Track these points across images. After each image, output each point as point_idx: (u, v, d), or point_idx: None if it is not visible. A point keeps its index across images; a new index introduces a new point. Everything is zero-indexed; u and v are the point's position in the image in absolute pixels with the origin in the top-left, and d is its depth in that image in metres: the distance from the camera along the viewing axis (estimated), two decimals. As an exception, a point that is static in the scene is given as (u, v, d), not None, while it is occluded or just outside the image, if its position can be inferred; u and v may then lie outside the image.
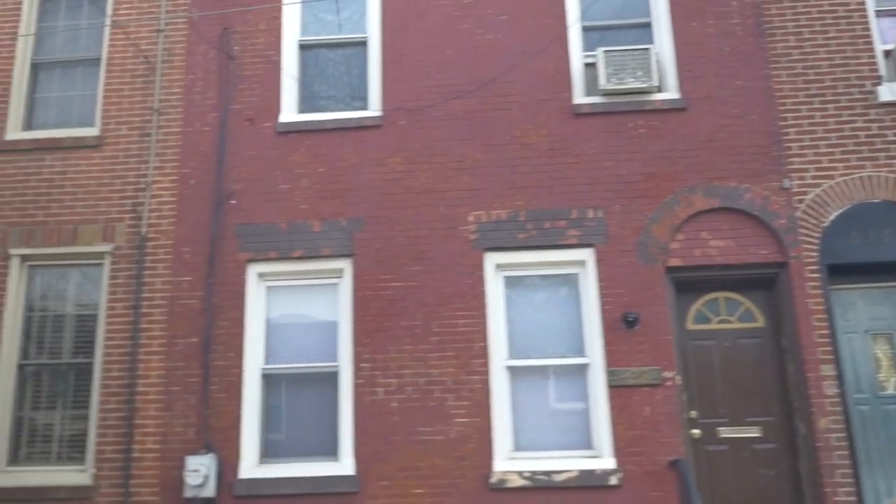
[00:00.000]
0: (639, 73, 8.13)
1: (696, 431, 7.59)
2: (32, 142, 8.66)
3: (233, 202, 8.28)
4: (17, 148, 8.66)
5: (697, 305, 7.95)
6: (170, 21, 8.93)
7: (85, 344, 8.16)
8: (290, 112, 8.59)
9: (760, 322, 7.86)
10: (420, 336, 7.75)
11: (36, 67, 9.09)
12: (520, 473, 7.34)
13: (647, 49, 8.16)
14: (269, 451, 7.75)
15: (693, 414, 7.64)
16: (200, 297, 8.04)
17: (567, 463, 7.38)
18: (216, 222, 8.21)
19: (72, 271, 8.39)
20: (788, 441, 7.53)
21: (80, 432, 7.95)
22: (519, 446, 7.56)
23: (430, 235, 8.03)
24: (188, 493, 7.43)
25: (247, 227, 8.19)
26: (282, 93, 8.62)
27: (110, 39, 8.95)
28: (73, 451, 7.92)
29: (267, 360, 7.93)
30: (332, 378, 7.84)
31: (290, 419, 7.85)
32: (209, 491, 7.43)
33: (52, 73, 9.11)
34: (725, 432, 7.63)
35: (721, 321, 7.90)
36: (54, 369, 8.14)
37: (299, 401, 7.89)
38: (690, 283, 7.86)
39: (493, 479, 7.33)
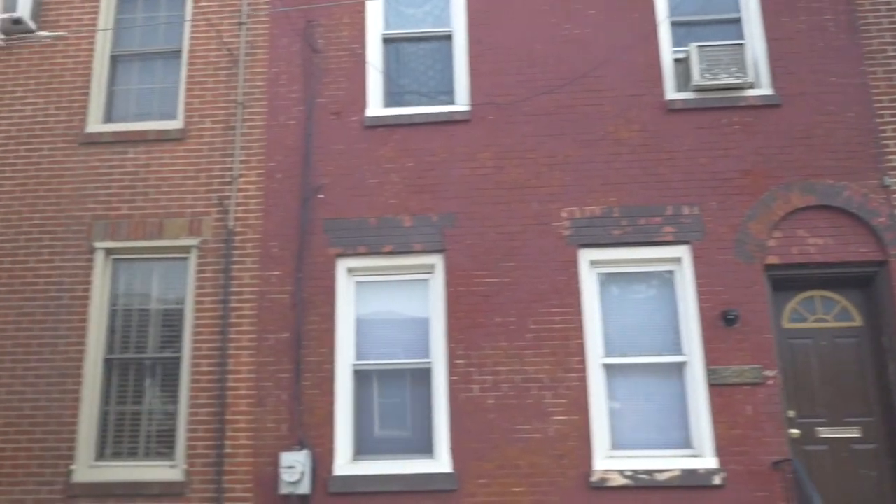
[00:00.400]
0: (733, 69, 8.04)
1: (794, 431, 7.50)
2: (115, 134, 8.58)
3: (321, 196, 8.19)
4: (99, 141, 8.57)
5: (793, 304, 7.86)
6: (251, 14, 8.85)
7: (171, 338, 8.07)
8: (375, 106, 8.51)
9: (858, 321, 7.77)
10: (515, 333, 7.67)
11: (115, 60, 9.01)
12: (621, 472, 7.25)
13: (741, 44, 8.07)
14: (361, 448, 7.66)
15: (791, 413, 7.55)
16: (290, 291, 7.95)
17: (668, 462, 7.29)
18: (305, 217, 8.12)
19: (156, 265, 8.30)
20: (890, 442, 7.44)
21: (167, 427, 7.86)
22: (616, 445, 7.47)
23: (522, 231, 7.94)
24: (283, 490, 7.34)
25: (336, 222, 8.11)
26: (367, 86, 8.53)
27: (192, 32, 8.87)
28: (162, 446, 7.83)
29: (357, 356, 7.84)
30: (424, 375, 7.75)
31: (382, 416, 7.76)
32: (304, 488, 7.34)
33: (130, 66, 9.02)
34: (824, 432, 7.54)
35: (817, 320, 7.81)
36: (140, 364, 8.06)
37: (391, 397, 7.80)
38: (787, 281, 7.77)
39: (594, 478, 7.24)
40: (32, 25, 8.94)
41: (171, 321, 8.13)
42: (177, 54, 8.91)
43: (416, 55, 8.80)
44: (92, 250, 8.23)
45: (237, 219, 8.22)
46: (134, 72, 9.02)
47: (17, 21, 8.85)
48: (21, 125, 8.70)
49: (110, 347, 8.11)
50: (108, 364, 8.05)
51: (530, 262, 7.85)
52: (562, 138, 8.17)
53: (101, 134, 8.60)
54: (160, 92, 8.90)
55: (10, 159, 8.61)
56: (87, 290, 8.13)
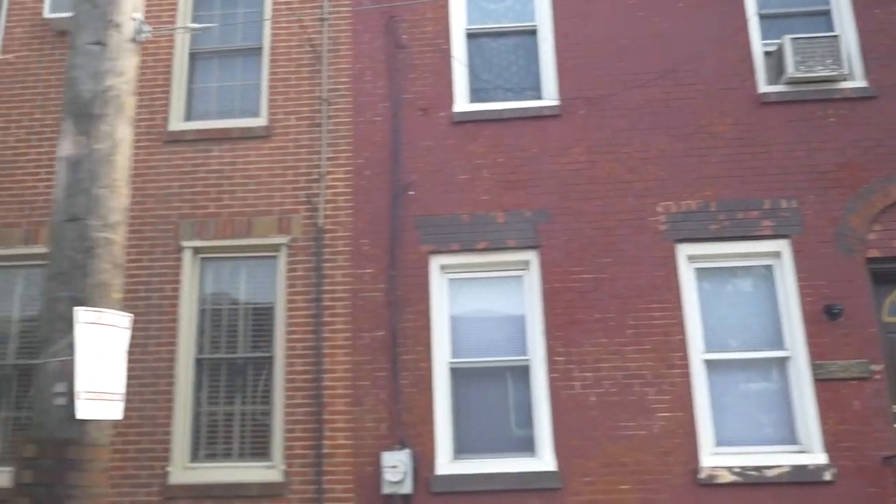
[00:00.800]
0: (828, 61, 7.96)
1: (899, 426, 7.42)
2: (198, 132, 8.50)
3: (411, 193, 8.11)
4: (182, 139, 8.50)
5: (892, 297, 7.78)
6: (333, 10, 8.77)
7: (262, 338, 7.99)
8: (462, 102, 8.43)
9: (959, 315, 7.70)
10: (615, 329, 7.59)
11: (193, 57, 8.93)
12: (729, 469, 7.17)
13: (836, 36, 8.00)
14: (460, 447, 7.57)
15: None
16: (383, 289, 7.87)
17: (776, 458, 7.21)
18: (396, 214, 8.04)
19: (245, 263, 8.22)
20: None
21: (262, 428, 7.78)
22: (721, 441, 7.39)
23: (618, 227, 7.86)
24: (386, 490, 7.26)
25: (427, 219, 8.03)
26: (454, 82, 8.45)
27: (272, 29, 8.79)
28: (256, 447, 7.75)
29: (453, 354, 7.76)
30: (522, 372, 7.67)
31: (480, 414, 7.67)
32: (407, 487, 7.26)
33: (209, 64, 8.95)
34: (929, 427, 7.46)
35: (917, 314, 7.74)
36: (231, 364, 7.98)
37: (488, 395, 7.72)
38: (887, 274, 7.69)
39: (702, 475, 7.16)
40: (110, 23, 8.84)
41: (262, 320, 8.05)
42: (257, 51, 8.83)
43: (498, 50, 8.72)
44: (180, 249, 8.15)
45: (327, 216, 8.14)
46: (213, 69, 8.94)
47: (96, 19, 8.75)
48: (103, 124, 8.61)
49: (200, 347, 8.02)
50: (200, 364, 7.97)
51: (627, 257, 7.77)
52: (654, 132, 8.09)
53: (184, 132, 8.52)
54: (241, 89, 8.82)
55: (92, 158, 8.52)
56: (175, 289, 8.05)
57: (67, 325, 4.16)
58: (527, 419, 7.57)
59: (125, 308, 8.02)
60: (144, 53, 8.84)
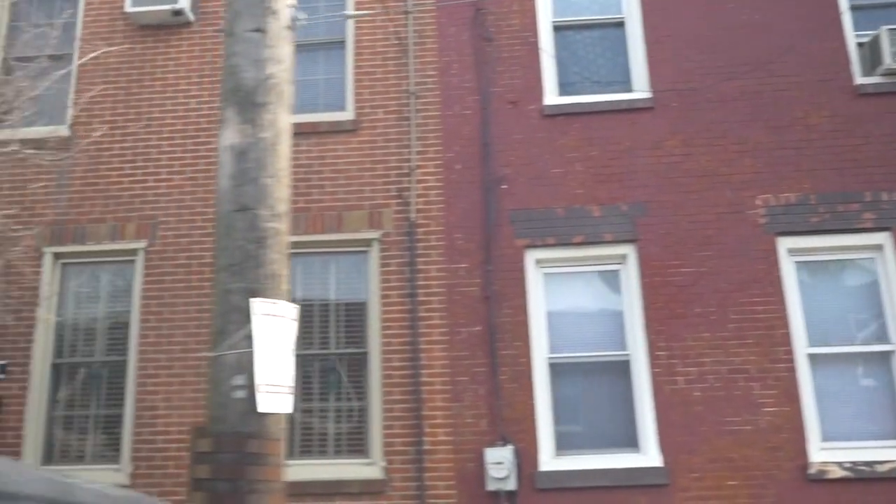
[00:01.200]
0: (926, 52, 7.87)
1: None
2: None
3: (504, 187, 8.03)
4: (269, 133, 8.40)
5: None
6: (417, 3, 8.69)
7: (355, 333, 7.90)
8: (552, 95, 8.35)
9: None
10: (717, 323, 7.50)
11: (275, 51, 8.83)
12: (839, 464, 7.09)
13: (934, 27, 7.92)
14: (561, 443, 7.49)
15: None
16: (479, 284, 7.79)
17: (886, 453, 7.12)
18: (491, 208, 7.96)
19: (335, 258, 8.14)
20: None
21: (358, 424, 7.69)
22: (827, 436, 7.29)
23: (716, 220, 7.78)
24: (491, 487, 7.17)
25: (522, 213, 7.95)
26: (543, 75, 8.37)
27: (356, 22, 8.70)
28: (354, 443, 7.66)
29: (551, 349, 7.67)
30: (622, 367, 7.58)
31: (580, 410, 7.59)
32: (511, 484, 7.18)
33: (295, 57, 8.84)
34: None
35: None
36: (325, 360, 7.90)
37: (587, 391, 7.63)
38: None
39: (812, 471, 7.08)
40: (191, 17, 8.79)
41: (354, 316, 7.96)
42: (341, 45, 8.75)
43: (584, 42, 8.64)
44: (270, 245, 8.05)
45: (418, 211, 8.05)
46: (297, 62, 8.83)
47: (178, 13, 8.69)
48: (187, 118, 8.54)
49: (296, 342, 7.91)
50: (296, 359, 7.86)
51: (727, 250, 7.69)
52: (750, 125, 8.00)
53: (270, 126, 8.42)
54: (324, 83, 8.74)
55: (177, 153, 8.45)
56: (267, 285, 7.95)
57: (242, 316, 4.08)
58: (628, 415, 7.48)
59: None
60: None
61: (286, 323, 4.19)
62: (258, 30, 4.48)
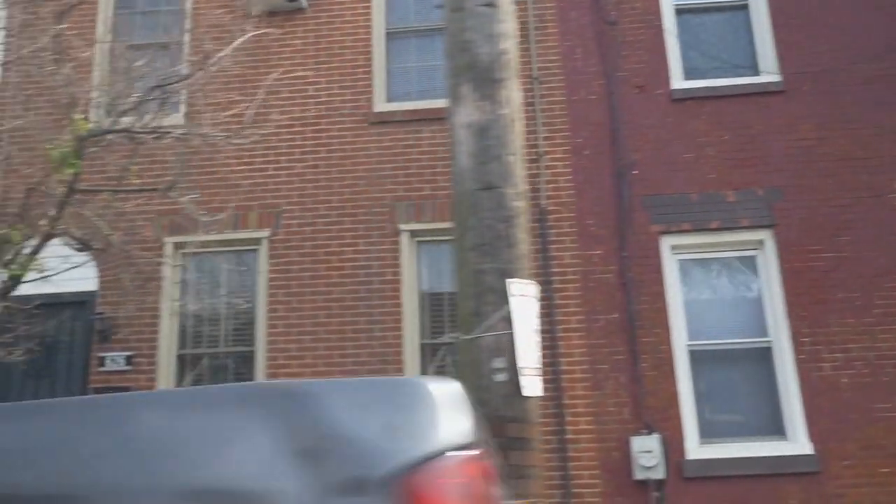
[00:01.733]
0: None
1: None
2: (407, 113, 8.30)
3: (635, 172, 7.91)
4: (390, 120, 8.29)
5: None
6: (535, -13, 8.56)
7: (486, 322, 7.78)
8: (678, 78, 8.22)
9: None
10: (862, 308, 7.38)
11: (390, 37, 8.72)
12: None
13: None
14: (705, 431, 7.37)
15: None
16: (615, 271, 7.67)
17: None
18: (623, 194, 7.84)
19: (462, 247, 8.01)
20: None
21: (493, 414, 7.57)
22: (977, 422, 7.19)
23: (855, 204, 7.66)
24: (639, 475, 7.07)
25: (655, 199, 7.83)
26: (668, 59, 8.24)
27: (473, 6, 8.57)
28: (490, 433, 7.54)
29: (689, 337, 7.55)
30: (763, 354, 7.47)
31: (722, 397, 7.48)
32: (660, 472, 7.07)
33: (406, 44, 8.74)
34: None
35: None
36: (456, 349, 7.77)
37: (728, 378, 7.53)
38: None
39: (968, 457, 6.98)
40: (304, 3, 8.65)
41: (484, 304, 7.83)
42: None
43: (706, 25, 8.52)
44: (397, 233, 7.95)
45: (549, 197, 7.93)
46: (410, 49, 8.74)
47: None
48: (305, 106, 8.42)
49: (423, 332, 7.82)
50: (424, 349, 7.78)
51: (867, 235, 7.57)
52: (885, 108, 7.88)
53: (392, 113, 8.32)
54: (441, 69, 8.59)
55: (297, 141, 8.33)
56: (396, 273, 7.85)
57: (497, 297, 3.97)
58: (772, 402, 7.36)
59: (345, 293, 7.83)
60: (340, 33, 8.65)
61: (535, 304, 4.08)
62: (489, 4, 4.36)
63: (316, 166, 8.23)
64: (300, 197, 8.15)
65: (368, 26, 8.63)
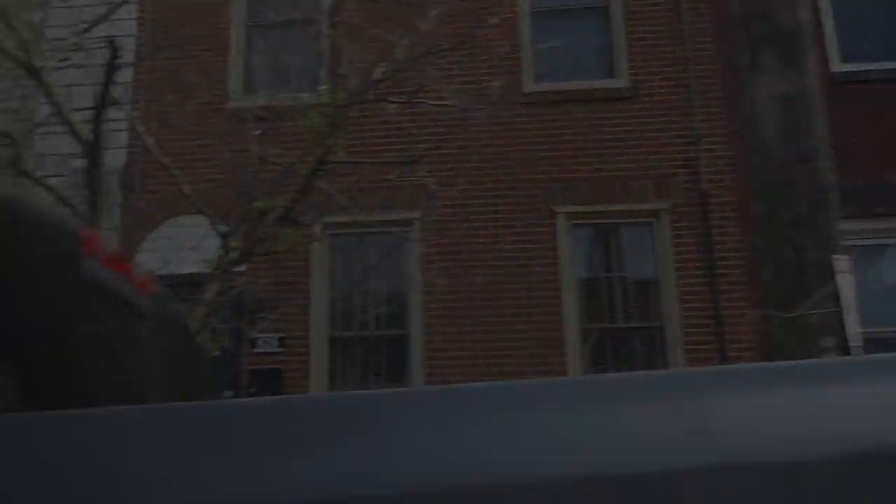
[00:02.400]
0: None
1: None
2: (558, 94, 8.15)
3: (797, 156, 7.75)
4: (541, 101, 8.14)
5: None
6: (685, -33, 8.39)
7: (646, 307, 7.65)
8: (836, 61, 8.08)
9: None
10: None
11: (535, 17, 8.56)
12: None
13: None
14: None
15: None
16: (780, 256, 7.52)
17: None
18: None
19: (618, 229, 7.89)
20: None
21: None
22: None
23: None
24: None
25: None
26: (826, 41, 8.07)
27: (624, -13, 8.42)
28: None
29: (867, 323, 7.39)
30: (939, 343, 7.34)
31: None
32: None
33: (550, 24, 8.57)
34: None
35: None
36: (615, 333, 7.66)
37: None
38: None
39: None
40: (447, -18, 8.47)
41: (643, 288, 7.72)
42: (602, 11, 8.46)
43: (860, 7, 8.36)
44: (553, 215, 7.81)
45: (709, 181, 7.78)
46: (554, 29, 8.56)
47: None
48: (451, 87, 8.24)
49: (581, 316, 7.69)
50: (582, 334, 7.64)
51: None
52: None
53: (542, 93, 8.17)
54: (590, 50, 8.45)
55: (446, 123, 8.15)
56: (554, 256, 7.71)
57: (819, 273, 3.82)
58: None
59: (503, 276, 7.68)
60: (486, 14, 8.46)
61: (852, 279, 3.93)
62: (788, -30, 4.19)
63: (467, 147, 8.06)
64: (453, 179, 7.98)
65: (516, 7, 8.46)
